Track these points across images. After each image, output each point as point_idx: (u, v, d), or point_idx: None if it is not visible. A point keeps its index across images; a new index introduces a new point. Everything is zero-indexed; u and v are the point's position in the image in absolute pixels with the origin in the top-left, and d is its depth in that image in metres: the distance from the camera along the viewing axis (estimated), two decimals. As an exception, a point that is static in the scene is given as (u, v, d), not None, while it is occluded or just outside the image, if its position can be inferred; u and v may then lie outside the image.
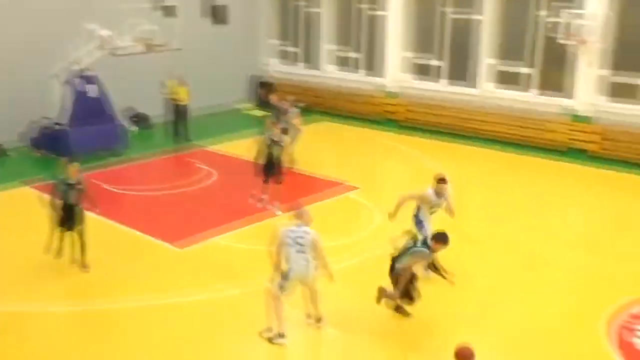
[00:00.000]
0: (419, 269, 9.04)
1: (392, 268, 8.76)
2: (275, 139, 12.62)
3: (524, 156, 17.40)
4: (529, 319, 9.07)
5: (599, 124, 17.45)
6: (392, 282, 8.75)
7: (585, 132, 17.60)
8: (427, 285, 9.20)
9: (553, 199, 14.35)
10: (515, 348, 8.41)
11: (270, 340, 8.24)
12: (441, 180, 9.97)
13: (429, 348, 8.34)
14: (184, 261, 10.74)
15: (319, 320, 8.63)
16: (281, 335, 8.23)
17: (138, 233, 11.71)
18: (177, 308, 9.16)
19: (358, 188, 14.31)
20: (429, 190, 10.00)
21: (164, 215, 12.72)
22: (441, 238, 8.57)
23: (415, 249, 8.63)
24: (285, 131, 14.21)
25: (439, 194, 9.96)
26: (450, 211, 10.13)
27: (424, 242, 8.69)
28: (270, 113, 15.88)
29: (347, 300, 9.12)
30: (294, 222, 8.30)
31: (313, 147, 16.69)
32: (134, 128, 18.79)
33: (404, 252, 8.70)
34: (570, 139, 17.79)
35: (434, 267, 9.10)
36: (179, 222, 12.33)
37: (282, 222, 8.89)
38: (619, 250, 11.55)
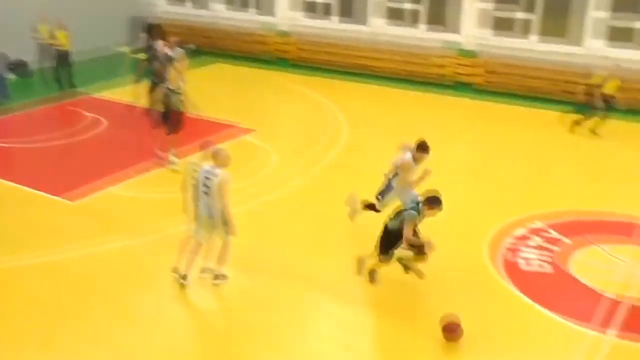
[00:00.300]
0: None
1: (385, 234, 8.15)
2: (171, 87, 12.11)
3: (414, 91, 17.84)
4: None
5: (483, 58, 18.10)
6: (379, 246, 8.21)
7: (470, 66, 18.22)
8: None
9: (442, 132, 14.86)
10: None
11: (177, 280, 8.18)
12: (422, 149, 8.79)
13: (328, 283, 8.56)
14: (77, 214, 10.37)
15: (216, 277, 8.27)
16: (183, 277, 8.14)
17: (25, 188, 11.16)
18: (72, 262, 8.89)
19: (254, 130, 14.23)
20: (407, 156, 8.87)
21: (52, 168, 12.15)
22: (435, 201, 7.83)
23: (407, 212, 7.91)
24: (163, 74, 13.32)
25: (417, 161, 8.85)
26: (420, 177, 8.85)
27: (416, 204, 7.95)
28: (147, 57, 15.00)
29: (245, 245, 9.10)
30: (207, 161, 7.91)
31: (205, 89, 16.33)
32: (11, 76, 17.62)
33: (397, 216, 8.07)
34: (457, 73, 18.38)
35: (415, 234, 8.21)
36: (68, 174, 11.83)
37: (194, 160, 8.47)
38: (503, 176, 12.24)
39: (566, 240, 9.67)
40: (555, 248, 9.46)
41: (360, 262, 8.48)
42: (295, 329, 7.67)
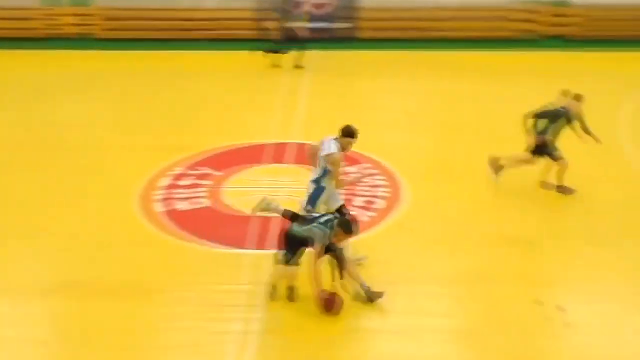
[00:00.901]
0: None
1: (288, 237, 7.14)
2: None
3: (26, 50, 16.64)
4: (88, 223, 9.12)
5: (99, 5, 17.59)
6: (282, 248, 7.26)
7: (87, 14, 17.59)
8: None
9: (73, 91, 14.26)
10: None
11: None
12: (349, 134, 7.44)
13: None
14: None
15: None
16: None
17: None
18: None
19: None
20: (333, 147, 7.39)
21: None
22: (345, 226, 6.88)
23: (318, 229, 6.93)
24: None
25: (345, 149, 7.52)
26: None
27: (330, 221, 7.01)
28: None
29: None
30: None
31: None
32: None
33: (305, 225, 7.05)
34: (73, 24, 17.64)
35: (337, 259, 7.15)
36: None
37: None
38: (143, 127, 12.22)
39: (217, 172, 10.29)
40: (207, 182, 10.02)
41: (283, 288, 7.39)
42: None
